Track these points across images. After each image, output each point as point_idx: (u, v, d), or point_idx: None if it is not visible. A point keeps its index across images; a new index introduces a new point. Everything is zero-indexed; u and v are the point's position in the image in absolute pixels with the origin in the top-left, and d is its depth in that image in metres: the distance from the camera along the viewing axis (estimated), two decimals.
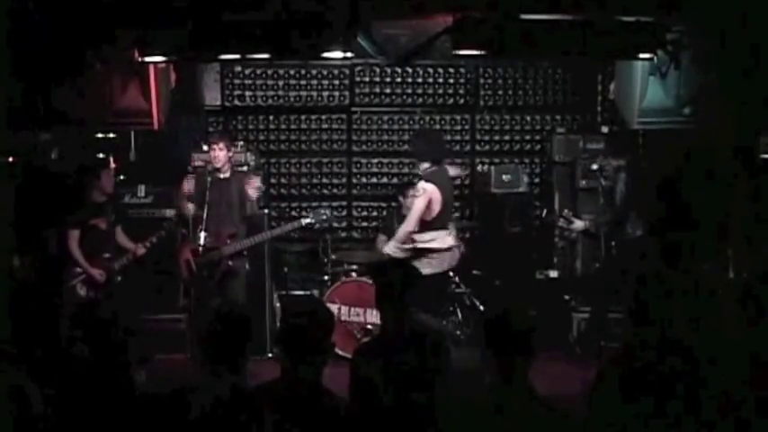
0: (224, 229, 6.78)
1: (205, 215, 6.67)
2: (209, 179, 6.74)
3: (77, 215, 6.85)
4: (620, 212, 7.15)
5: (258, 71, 8.71)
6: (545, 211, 8.50)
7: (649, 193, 7.10)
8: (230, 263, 6.82)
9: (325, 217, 7.04)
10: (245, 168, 7.59)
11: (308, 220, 7.01)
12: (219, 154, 6.77)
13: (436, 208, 6.73)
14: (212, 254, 6.73)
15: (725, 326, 5.96)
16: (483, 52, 6.18)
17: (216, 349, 3.38)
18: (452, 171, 7.50)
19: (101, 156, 7.94)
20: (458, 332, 7.74)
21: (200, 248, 6.68)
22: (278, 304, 7.74)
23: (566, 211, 7.57)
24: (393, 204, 8.67)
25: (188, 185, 7.05)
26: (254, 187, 6.90)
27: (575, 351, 7.52)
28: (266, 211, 7.35)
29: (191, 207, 7.01)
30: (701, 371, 3.46)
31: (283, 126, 8.85)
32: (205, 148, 7.63)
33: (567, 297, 7.92)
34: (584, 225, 7.44)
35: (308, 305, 3.44)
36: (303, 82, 8.78)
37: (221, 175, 6.83)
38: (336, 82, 8.79)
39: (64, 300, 6.55)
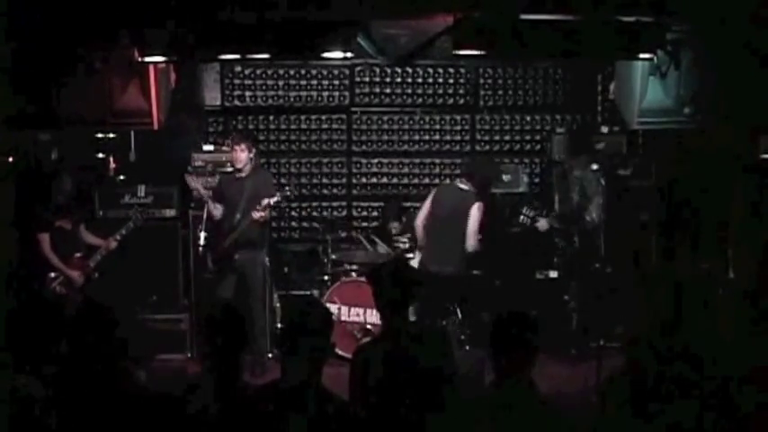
0: (236, 225, 6.93)
1: (205, 214, 6.78)
2: (225, 178, 6.99)
3: (42, 218, 6.84)
4: (578, 204, 7.30)
5: (258, 71, 8.71)
6: (544, 211, 8.49)
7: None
8: (235, 256, 6.96)
9: (288, 192, 7.12)
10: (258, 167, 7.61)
11: (274, 199, 6.96)
12: (241, 155, 6.95)
13: (426, 207, 7.09)
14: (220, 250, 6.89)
15: (724, 325, 5.98)
16: (483, 52, 6.18)
17: (211, 346, 3.39)
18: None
19: (100, 155, 7.97)
20: (458, 332, 7.74)
21: (200, 248, 6.78)
22: (278, 304, 7.74)
23: (525, 208, 7.59)
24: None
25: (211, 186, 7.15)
26: (261, 211, 6.88)
27: (574, 351, 7.53)
28: (272, 204, 7.33)
29: (219, 207, 7.06)
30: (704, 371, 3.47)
31: (283, 126, 8.85)
32: (206, 147, 7.70)
33: (566, 297, 7.91)
34: (548, 223, 7.52)
35: (306, 305, 3.44)
36: (303, 82, 8.77)
37: (242, 175, 6.98)
38: (336, 82, 8.79)
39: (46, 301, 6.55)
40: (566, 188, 7.60)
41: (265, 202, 6.88)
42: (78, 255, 6.90)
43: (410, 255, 7.76)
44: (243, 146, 6.97)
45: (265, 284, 7.32)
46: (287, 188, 7.20)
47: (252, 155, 7.05)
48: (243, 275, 7.01)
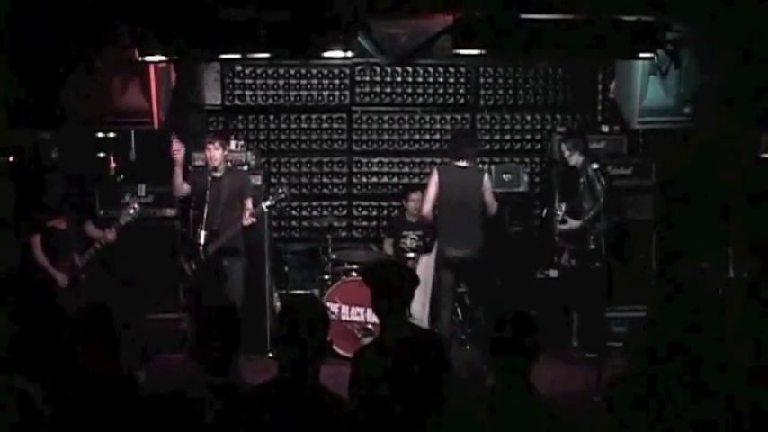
0: (217, 228, 6.75)
1: (205, 214, 6.67)
2: (208, 178, 6.74)
3: (32, 219, 6.75)
4: (600, 204, 7.22)
5: (258, 71, 8.71)
6: (545, 210, 8.49)
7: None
8: (224, 261, 6.77)
9: (283, 195, 6.93)
10: (245, 168, 7.58)
11: (268, 203, 6.87)
12: (215, 153, 6.73)
13: (431, 193, 6.90)
14: (203, 251, 6.69)
15: (725, 324, 5.97)
16: (483, 52, 6.18)
17: (207, 346, 3.39)
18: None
19: (101, 155, 7.97)
20: (457, 332, 7.75)
21: (200, 247, 6.68)
22: (278, 303, 7.75)
23: (563, 205, 7.55)
24: (394, 204, 8.70)
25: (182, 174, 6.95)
26: (250, 214, 6.73)
27: (574, 351, 7.54)
28: (266, 210, 7.31)
29: (185, 187, 6.90)
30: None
31: (283, 126, 8.85)
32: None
33: (566, 297, 7.91)
34: (580, 224, 7.38)
35: (301, 303, 3.44)
36: (303, 82, 8.78)
37: (217, 174, 6.78)
38: (336, 82, 8.79)
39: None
40: (572, 189, 7.53)
41: (250, 207, 6.73)
42: (74, 254, 6.73)
43: (411, 255, 7.78)
44: (216, 143, 6.73)
45: (253, 287, 7.25)
46: (281, 190, 7.01)
47: (226, 152, 6.87)
48: (225, 281, 6.79)
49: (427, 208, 6.99)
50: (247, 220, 6.69)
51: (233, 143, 7.77)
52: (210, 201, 6.69)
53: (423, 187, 8.38)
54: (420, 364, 3.78)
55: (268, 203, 6.84)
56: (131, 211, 6.81)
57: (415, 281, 4.15)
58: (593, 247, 7.22)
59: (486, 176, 7.00)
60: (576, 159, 7.41)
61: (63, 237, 6.79)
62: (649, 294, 7.51)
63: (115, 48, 6.00)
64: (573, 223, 7.41)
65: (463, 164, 6.93)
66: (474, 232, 6.86)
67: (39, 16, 5.68)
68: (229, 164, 7.27)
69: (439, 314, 7.03)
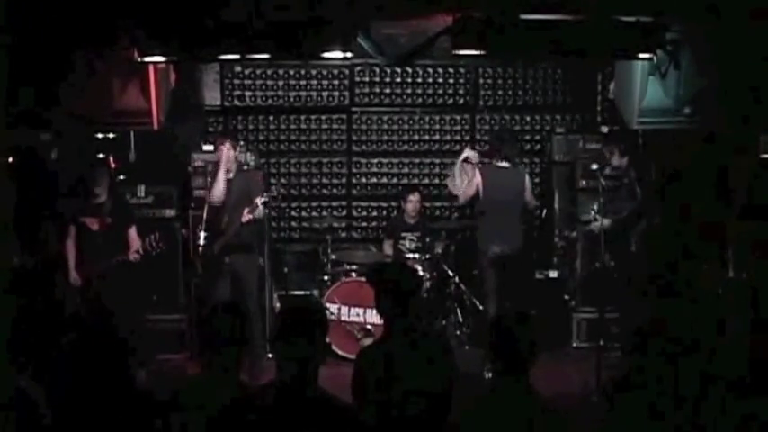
0: (225, 227, 6.78)
1: (205, 215, 6.69)
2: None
3: (65, 214, 6.73)
4: (639, 206, 7.32)
5: (258, 71, 8.71)
6: (545, 210, 8.49)
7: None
8: (226, 259, 6.80)
9: (275, 193, 7.04)
10: (245, 168, 7.58)
11: (262, 199, 6.81)
12: (229, 154, 6.78)
13: (470, 191, 7.19)
14: (210, 252, 6.72)
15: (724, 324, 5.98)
16: (483, 52, 6.18)
17: (210, 346, 3.39)
18: None
19: (100, 156, 7.96)
20: (457, 332, 7.75)
21: (199, 248, 6.70)
22: (278, 304, 7.75)
23: (596, 206, 7.48)
24: (393, 204, 8.70)
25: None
26: (250, 212, 6.75)
27: (574, 351, 7.54)
28: (266, 210, 7.32)
29: (223, 196, 6.83)
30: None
31: (283, 126, 8.85)
32: (206, 147, 7.66)
33: (566, 297, 7.91)
34: (610, 224, 7.20)
35: (300, 304, 3.44)
36: (303, 82, 8.77)
37: (230, 176, 6.80)
38: (336, 82, 8.79)
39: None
40: (573, 190, 7.59)
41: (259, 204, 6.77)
42: (96, 257, 6.61)
43: (410, 255, 7.78)
44: (228, 144, 6.78)
45: (261, 286, 7.25)
46: (273, 188, 7.08)
47: (237, 153, 6.90)
48: (237, 279, 6.82)
49: (459, 190, 7.37)
50: (244, 217, 6.74)
51: None
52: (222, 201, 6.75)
53: (421, 188, 8.49)
54: (424, 365, 3.78)
55: (261, 200, 6.84)
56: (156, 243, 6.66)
57: (418, 282, 4.16)
58: (633, 249, 7.29)
59: (526, 176, 7.38)
60: (617, 161, 7.45)
61: (90, 237, 6.70)
62: (649, 294, 7.51)
63: (115, 48, 5.99)
64: (604, 222, 7.29)
65: (505, 164, 7.23)
66: (515, 230, 7.16)
67: (38, 17, 5.68)
68: (245, 166, 7.30)
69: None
